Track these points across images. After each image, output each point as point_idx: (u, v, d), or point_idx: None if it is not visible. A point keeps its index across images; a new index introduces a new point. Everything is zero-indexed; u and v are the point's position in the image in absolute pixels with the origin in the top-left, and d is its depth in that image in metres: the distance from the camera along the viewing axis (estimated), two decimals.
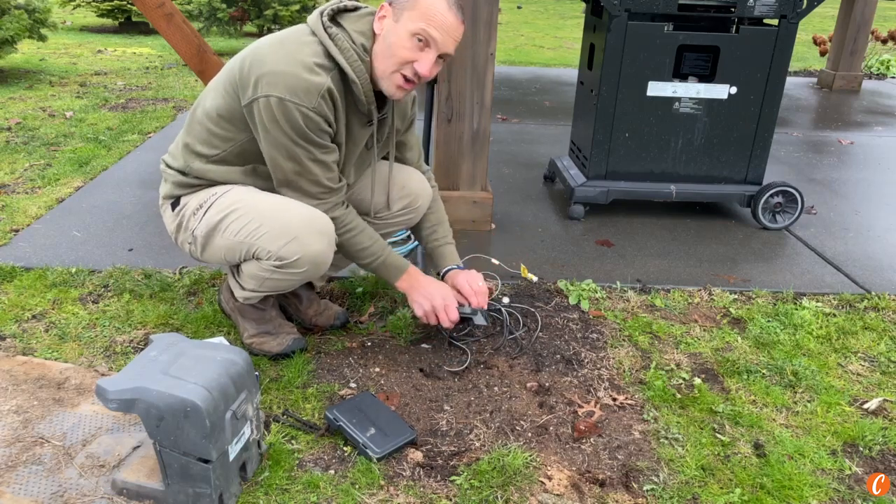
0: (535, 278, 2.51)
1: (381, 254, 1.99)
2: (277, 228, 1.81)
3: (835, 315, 2.48)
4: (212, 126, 1.87)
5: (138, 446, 1.64)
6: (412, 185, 2.17)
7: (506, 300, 2.42)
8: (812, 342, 2.30)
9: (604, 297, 2.53)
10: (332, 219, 1.90)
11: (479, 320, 2.09)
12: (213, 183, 1.93)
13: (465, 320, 2.10)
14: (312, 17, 1.82)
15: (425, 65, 1.79)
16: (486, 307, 2.10)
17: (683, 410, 1.94)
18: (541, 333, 2.27)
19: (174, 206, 1.99)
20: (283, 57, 1.75)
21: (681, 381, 2.07)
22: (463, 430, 1.82)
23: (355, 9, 1.86)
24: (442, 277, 2.18)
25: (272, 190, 1.90)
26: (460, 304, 2.05)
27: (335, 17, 1.82)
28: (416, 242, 2.71)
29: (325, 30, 1.78)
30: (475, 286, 2.10)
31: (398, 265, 2.02)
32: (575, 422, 1.86)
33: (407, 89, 1.84)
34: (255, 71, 1.75)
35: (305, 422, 1.80)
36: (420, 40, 1.77)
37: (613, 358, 2.17)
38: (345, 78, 1.81)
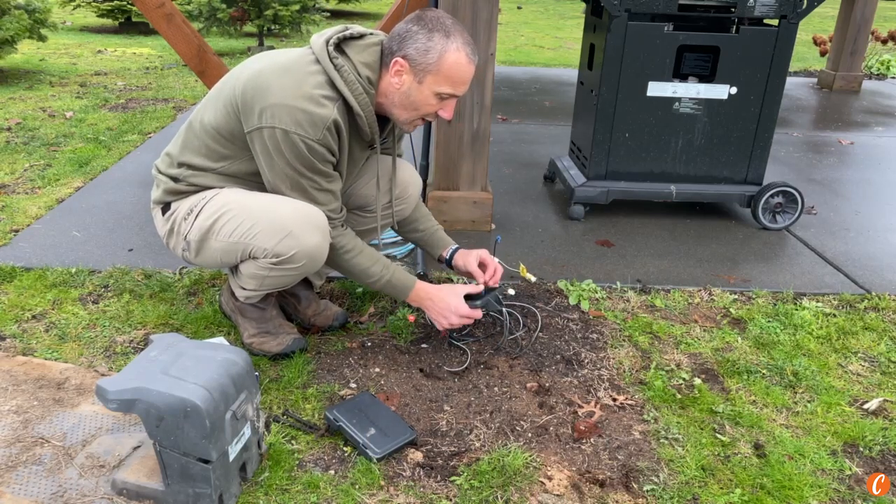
0: (534, 278, 2.51)
1: (386, 272, 1.99)
2: (271, 225, 1.81)
3: (835, 315, 2.48)
4: (210, 142, 1.88)
5: (138, 446, 1.64)
6: (403, 175, 2.18)
7: (511, 291, 2.43)
8: (812, 342, 2.30)
9: (604, 298, 2.53)
10: (333, 244, 1.91)
11: (494, 307, 2.12)
12: (204, 188, 1.93)
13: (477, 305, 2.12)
14: (318, 45, 1.80)
15: (450, 112, 1.89)
16: (497, 283, 2.15)
17: (683, 411, 1.94)
18: (541, 334, 2.27)
19: (164, 210, 1.98)
20: (289, 88, 1.74)
21: (681, 381, 2.07)
22: (463, 430, 1.82)
23: (361, 36, 1.85)
24: (451, 257, 2.20)
25: (265, 191, 1.90)
26: (470, 298, 2.06)
27: (340, 44, 1.81)
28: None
29: (330, 60, 1.77)
30: (491, 260, 2.16)
31: (405, 283, 2.02)
32: (575, 422, 1.86)
33: (421, 125, 1.96)
34: (260, 101, 1.74)
35: (305, 422, 1.80)
36: (444, 97, 1.84)
37: (613, 358, 2.17)
38: (349, 108, 1.82)
